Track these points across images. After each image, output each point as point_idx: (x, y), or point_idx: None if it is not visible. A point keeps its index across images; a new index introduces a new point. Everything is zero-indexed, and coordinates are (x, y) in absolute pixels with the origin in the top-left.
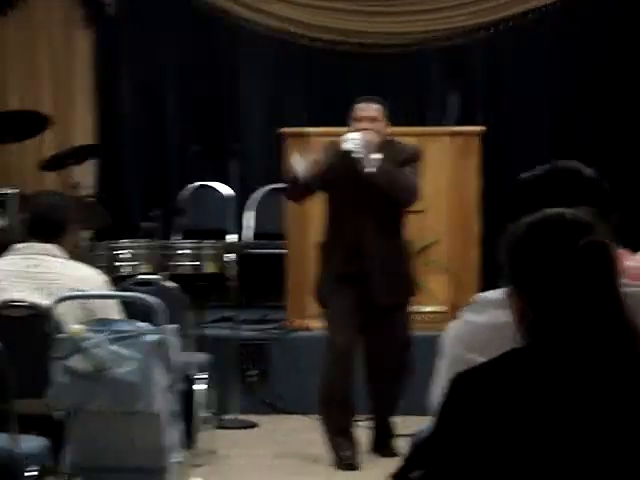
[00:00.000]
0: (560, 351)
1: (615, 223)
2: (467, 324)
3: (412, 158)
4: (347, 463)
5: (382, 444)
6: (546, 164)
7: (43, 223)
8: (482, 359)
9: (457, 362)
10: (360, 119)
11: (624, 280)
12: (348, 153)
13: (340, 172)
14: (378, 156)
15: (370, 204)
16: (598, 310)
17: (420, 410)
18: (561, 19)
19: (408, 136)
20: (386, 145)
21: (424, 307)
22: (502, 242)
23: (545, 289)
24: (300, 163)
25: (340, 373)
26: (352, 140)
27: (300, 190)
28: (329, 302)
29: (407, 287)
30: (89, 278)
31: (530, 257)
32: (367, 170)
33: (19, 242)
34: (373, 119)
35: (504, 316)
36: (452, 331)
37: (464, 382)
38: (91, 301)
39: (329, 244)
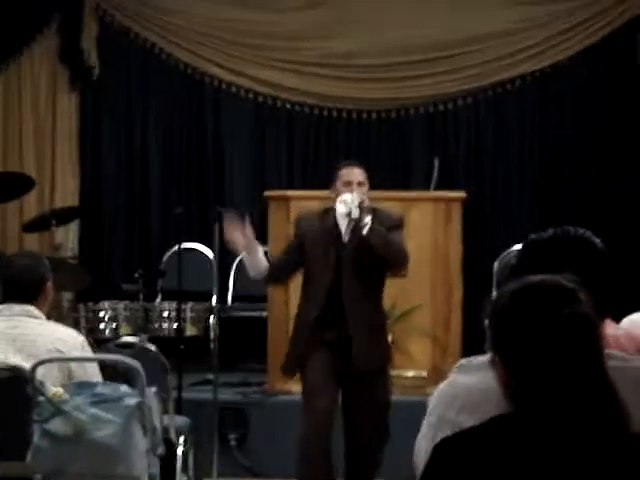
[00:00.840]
0: (543, 420)
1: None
2: (457, 385)
3: (397, 225)
4: None
5: None
6: (558, 226)
7: (20, 285)
8: (469, 421)
9: (443, 423)
10: (347, 184)
11: (606, 350)
12: (328, 217)
13: (319, 236)
14: (369, 217)
15: (353, 267)
16: (581, 379)
17: (400, 476)
18: (542, 87)
19: (391, 201)
20: (371, 211)
21: (406, 372)
22: (486, 309)
23: (527, 358)
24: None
25: (319, 437)
26: (347, 202)
27: (273, 278)
28: (306, 364)
29: (386, 351)
30: (67, 338)
31: (512, 325)
32: (363, 233)
33: None
34: (360, 184)
35: (489, 379)
36: (440, 392)
37: (448, 448)
38: (72, 363)
39: (306, 307)
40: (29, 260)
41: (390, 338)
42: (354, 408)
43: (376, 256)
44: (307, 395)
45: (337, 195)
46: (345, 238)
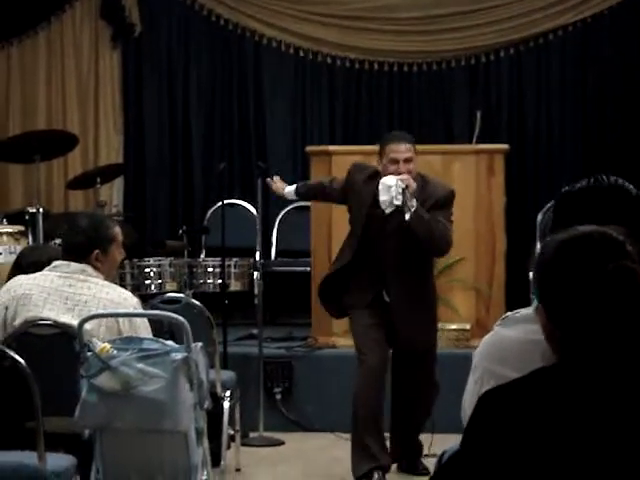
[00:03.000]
0: (585, 373)
1: None
2: (499, 338)
3: (445, 201)
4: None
5: (410, 463)
6: (590, 176)
7: (73, 244)
8: (513, 373)
9: (488, 376)
10: (394, 161)
11: None
12: (375, 181)
13: (362, 198)
14: (414, 203)
15: (393, 241)
16: (624, 333)
17: (444, 428)
18: (583, 38)
19: (434, 154)
20: (419, 184)
21: (449, 325)
22: (532, 259)
23: (571, 311)
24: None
25: (373, 391)
26: (390, 188)
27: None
28: (354, 319)
29: (428, 330)
30: (119, 301)
31: (557, 277)
32: (406, 218)
33: (51, 260)
34: (407, 160)
35: (534, 332)
36: (484, 345)
37: (492, 400)
38: (121, 322)
39: (348, 260)
40: (87, 220)
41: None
42: (403, 370)
43: (417, 239)
44: (358, 349)
45: (383, 171)
46: (387, 210)
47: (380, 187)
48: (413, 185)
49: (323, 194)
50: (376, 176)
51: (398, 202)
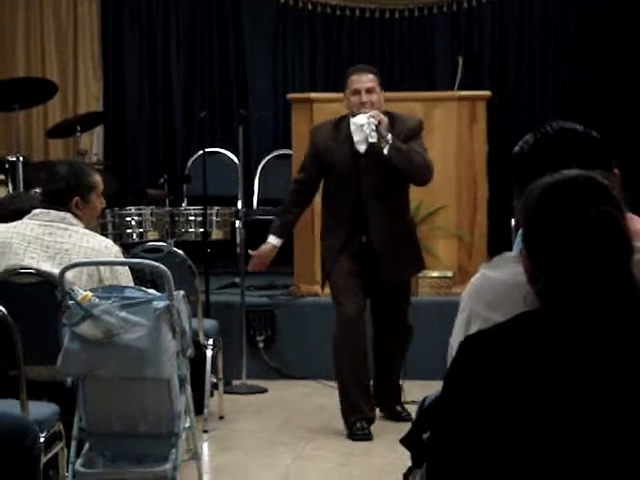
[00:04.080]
0: (569, 317)
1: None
2: (486, 280)
3: (416, 131)
4: (362, 434)
5: (391, 409)
6: (535, 130)
7: (61, 190)
8: (498, 315)
9: (474, 317)
10: (356, 92)
11: (638, 243)
12: (342, 125)
13: (338, 153)
14: (390, 137)
15: (373, 178)
16: (606, 278)
17: (425, 375)
18: None
19: (415, 101)
20: (388, 119)
21: (431, 272)
22: (519, 202)
23: (553, 255)
24: None
25: (349, 340)
26: (362, 127)
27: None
28: (333, 270)
29: (416, 261)
30: (100, 248)
31: (541, 221)
32: (385, 153)
33: (31, 208)
34: (369, 90)
35: (519, 274)
36: (471, 286)
37: (473, 345)
38: (102, 271)
39: (330, 218)
40: (67, 168)
41: None
42: (380, 315)
43: (398, 172)
44: (335, 300)
45: (347, 105)
46: (361, 149)
47: (352, 127)
48: (385, 119)
49: (306, 189)
50: (340, 122)
51: (373, 139)
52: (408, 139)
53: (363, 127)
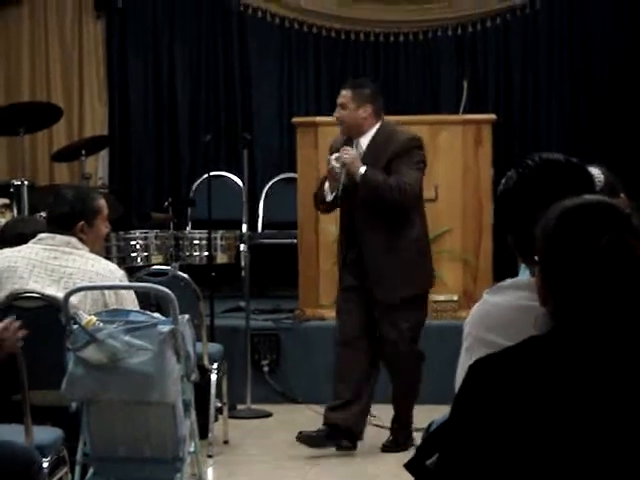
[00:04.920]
0: (579, 342)
1: None
2: (488, 305)
3: (404, 149)
4: (302, 437)
5: (393, 437)
6: (517, 165)
7: (66, 215)
8: (502, 340)
9: (478, 344)
10: (337, 105)
11: None
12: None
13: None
14: (362, 169)
15: (364, 203)
16: (619, 306)
17: (433, 400)
18: (571, 5)
19: (420, 124)
20: (380, 134)
21: (437, 296)
22: (540, 222)
23: (567, 278)
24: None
25: (346, 362)
26: (334, 164)
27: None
28: (339, 286)
29: (409, 282)
30: (105, 273)
31: (556, 244)
32: (358, 180)
33: (36, 232)
34: (342, 106)
35: (523, 299)
36: (473, 314)
37: (482, 369)
38: (107, 295)
39: (339, 233)
40: (72, 192)
41: None
42: (380, 334)
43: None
44: (336, 321)
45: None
46: (327, 199)
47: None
48: (351, 155)
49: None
50: (347, 142)
51: (344, 179)
52: (397, 156)
53: (335, 166)
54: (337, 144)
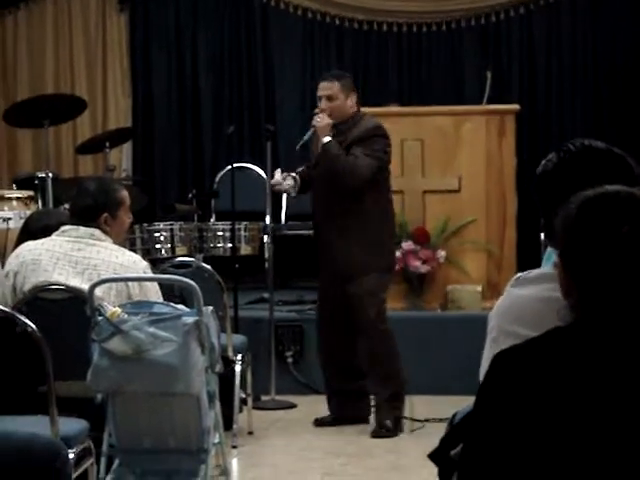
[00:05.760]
0: (603, 333)
1: None
2: (513, 297)
3: (364, 136)
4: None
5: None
6: (558, 149)
7: (90, 207)
8: (528, 331)
9: (504, 336)
10: (319, 98)
11: None
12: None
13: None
14: (326, 139)
15: (322, 183)
16: None
17: (457, 391)
18: None
19: (444, 115)
20: (350, 121)
21: (461, 286)
22: (559, 213)
23: (589, 268)
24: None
25: (322, 349)
26: (315, 126)
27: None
28: None
29: (364, 261)
30: (129, 264)
31: (578, 234)
32: (317, 154)
33: (60, 224)
34: (329, 97)
35: (547, 290)
36: (498, 306)
37: (506, 360)
38: (131, 286)
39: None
40: (95, 184)
41: (444, 254)
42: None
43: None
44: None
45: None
46: (297, 148)
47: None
48: (324, 122)
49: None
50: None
51: (303, 141)
52: (356, 142)
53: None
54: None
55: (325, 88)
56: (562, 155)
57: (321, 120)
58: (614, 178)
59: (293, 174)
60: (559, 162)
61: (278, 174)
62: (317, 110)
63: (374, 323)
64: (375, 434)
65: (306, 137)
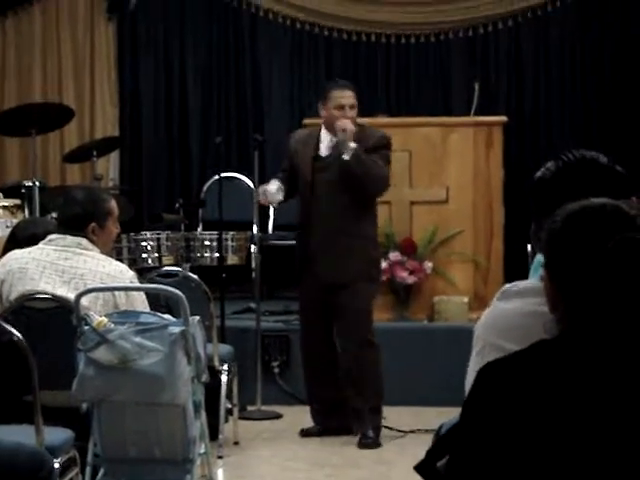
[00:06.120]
0: (590, 345)
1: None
2: (498, 311)
3: (380, 145)
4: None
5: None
6: (557, 157)
7: (78, 216)
8: (513, 345)
9: (489, 348)
10: (341, 107)
11: None
12: (314, 134)
13: (303, 156)
14: (353, 145)
15: (329, 187)
16: (629, 306)
17: (440, 402)
18: (582, 8)
19: (431, 126)
20: (357, 130)
21: (447, 298)
22: (544, 227)
23: (576, 280)
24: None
25: (304, 358)
26: (347, 129)
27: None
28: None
29: (358, 268)
30: (116, 274)
31: (565, 246)
32: (345, 157)
33: (47, 233)
34: (352, 106)
35: (533, 304)
36: (484, 319)
37: (492, 372)
38: (117, 296)
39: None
40: (83, 193)
41: (431, 265)
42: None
43: (354, 180)
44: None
45: (328, 118)
46: (324, 154)
47: (339, 132)
48: (351, 127)
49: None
50: (313, 132)
51: (343, 143)
52: (372, 150)
53: (345, 132)
54: (298, 135)
55: (350, 97)
56: (560, 164)
57: (351, 125)
58: (609, 193)
59: (278, 182)
60: (557, 171)
61: (274, 186)
62: (339, 115)
63: (364, 333)
64: (363, 445)
65: (340, 137)
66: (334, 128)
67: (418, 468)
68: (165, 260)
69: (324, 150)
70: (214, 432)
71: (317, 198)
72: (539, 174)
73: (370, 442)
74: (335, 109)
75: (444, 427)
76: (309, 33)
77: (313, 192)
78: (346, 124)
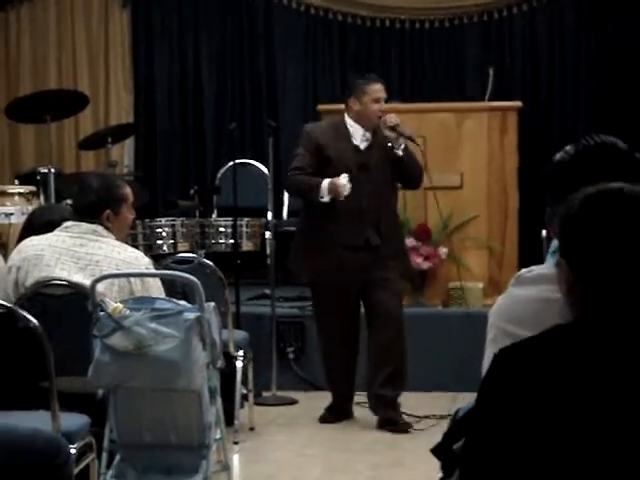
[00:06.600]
0: (606, 329)
1: None
2: (513, 297)
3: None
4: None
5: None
6: (577, 142)
7: (93, 203)
8: (524, 332)
9: (502, 335)
10: (378, 100)
11: None
12: (341, 127)
13: (339, 148)
14: (402, 140)
15: (373, 179)
16: None
17: (458, 387)
18: None
19: (446, 112)
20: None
21: (462, 283)
22: (559, 212)
23: (593, 265)
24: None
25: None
26: (398, 124)
27: None
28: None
29: (404, 257)
30: (131, 260)
31: (581, 230)
32: (399, 153)
33: (63, 220)
34: (385, 100)
35: (547, 291)
36: (498, 305)
37: (507, 357)
38: (133, 282)
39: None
40: (98, 180)
41: (446, 250)
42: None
43: (405, 173)
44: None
45: (363, 110)
46: (361, 147)
47: (389, 122)
48: (399, 122)
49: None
50: (335, 124)
51: (394, 137)
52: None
53: (398, 126)
54: (322, 129)
55: (384, 90)
56: (580, 148)
57: (399, 120)
58: (627, 178)
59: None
60: (576, 154)
61: (345, 179)
62: (377, 109)
63: (402, 316)
64: (400, 430)
65: (390, 134)
66: (368, 121)
67: (434, 450)
68: (180, 246)
69: (359, 143)
70: (229, 418)
71: (362, 188)
72: (557, 157)
73: (406, 427)
74: (372, 102)
75: (461, 412)
76: (323, 19)
77: (360, 185)
78: (396, 119)
